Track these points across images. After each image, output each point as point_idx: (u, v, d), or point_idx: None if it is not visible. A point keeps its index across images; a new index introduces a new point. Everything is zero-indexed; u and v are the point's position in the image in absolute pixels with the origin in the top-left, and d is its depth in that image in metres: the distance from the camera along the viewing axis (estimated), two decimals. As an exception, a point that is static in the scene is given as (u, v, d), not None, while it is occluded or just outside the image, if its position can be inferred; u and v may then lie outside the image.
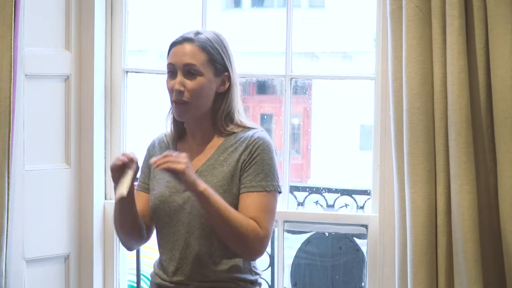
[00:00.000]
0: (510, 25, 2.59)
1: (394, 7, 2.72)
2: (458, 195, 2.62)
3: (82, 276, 3.31)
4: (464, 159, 2.61)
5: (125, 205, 2.32)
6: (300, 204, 3.72)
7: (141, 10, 3.55)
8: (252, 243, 2.26)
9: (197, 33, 2.34)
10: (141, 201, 2.43)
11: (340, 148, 7.50)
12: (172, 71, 2.33)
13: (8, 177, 2.94)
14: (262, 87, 7.74)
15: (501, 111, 2.61)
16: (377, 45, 2.98)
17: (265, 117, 7.50)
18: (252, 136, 2.33)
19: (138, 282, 3.52)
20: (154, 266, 2.44)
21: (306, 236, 3.53)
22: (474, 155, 2.64)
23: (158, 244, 2.41)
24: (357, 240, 3.42)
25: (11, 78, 2.93)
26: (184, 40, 2.33)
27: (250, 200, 2.28)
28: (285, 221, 3.20)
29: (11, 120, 2.94)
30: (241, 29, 6.95)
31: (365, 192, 3.44)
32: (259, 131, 2.36)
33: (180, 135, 2.43)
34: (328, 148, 7.33)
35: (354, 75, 3.29)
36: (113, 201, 2.43)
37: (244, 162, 2.31)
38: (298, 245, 3.57)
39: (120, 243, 3.30)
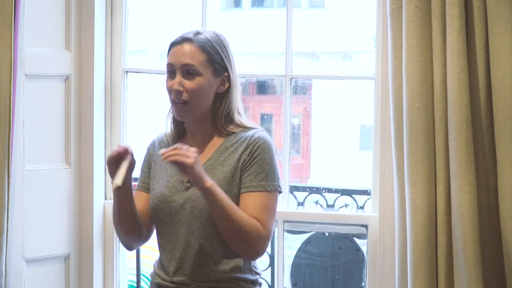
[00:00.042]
0: (510, 25, 2.59)
1: (394, 7, 2.72)
2: (458, 195, 2.62)
3: (82, 276, 3.31)
4: (464, 159, 2.61)
5: (122, 198, 2.31)
6: (300, 204, 3.72)
7: (141, 10, 3.55)
8: (254, 243, 2.26)
9: (197, 33, 2.34)
10: (141, 201, 2.43)
11: (340, 148, 7.50)
12: (171, 71, 2.33)
13: (8, 177, 2.94)
14: (262, 87, 7.74)
15: (501, 111, 2.61)
16: (377, 45, 2.98)
17: (265, 117, 7.50)
18: (252, 136, 2.33)
19: (138, 282, 3.52)
20: (154, 266, 2.44)
21: (306, 236, 3.53)
22: (474, 155, 2.64)
23: (158, 244, 2.41)
24: (357, 240, 3.42)
25: (11, 78, 2.93)
26: (183, 40, 2.33)
27: (251, 200, 2.28)
28: (285, 221, 3.20)
29: (11, 120, 2.94)
30: (241, 29, 6.95)
31: (365, 192, 3.44)
32: (259, 131, 2.36)
33: (180, 134, 2.43)
34: (328, 148, 7.33)
35: (354, 75, 3.29)
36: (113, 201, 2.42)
37: (245, 162, 2.31)
38: (298, 245, 3.57)
39: (120, 243, 3.31)
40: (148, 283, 2.72)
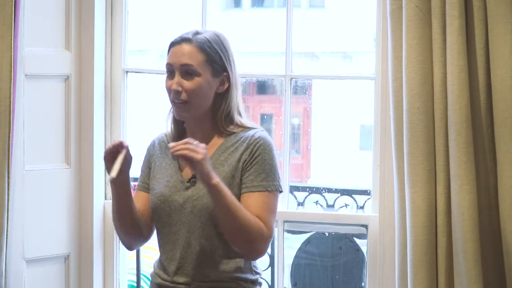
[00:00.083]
0: (510, 25, 2.59)
1: (394, 7, 2.72)
2: (458, 195, 2.62)
3: (82, 276, 3.31)
4: (464, 159, 2.61)
5: (119, 193, 2.31)
6: (300, 204, 3.72)
7: (141, 10, 3.55)
8: (257, 242, 2.26)
9: (196, 33, 2.34)
10: (141, 201, 2.43)
11: (340, 148, 7.50)
12: (170, 71, 2.33)
13: (8, 177, 2.94)
14: (262, 87, 7.74)
15: (501, 111, 2.61)
16: (377, 45, 2.98)
17: (265, 117, 7.51)
18: (253, 136, 2.33)
19: (138, 282, 3.52)
20: (154, 266, 2.44)
21: (306, 236, 3.53)
22: (474, 155, 2.64)
23: (159, 244, 2.41)
24: (357, 240, 3.42)
25: (11, 78, 2.93)
26: (182, 40, 2.33)
27: (252, 200, 2.27)
28: (285, 221, 3.20)
29: (11, 120, 2.94)
30: (241, 29, 6.96)
31: (365, 192, 3.44)
32: (259, 131, 2.36)
33: (180, 134, 2.43)
34: (328, 148, 7.34)
35: (354, 75, 3.29)
36: (113, 201, 2.42)
37: (245, 162, 2.31)
38: (298, 245, 3.57)
39: (120, 243, 3.31)
40: (148, 283, 2.72)
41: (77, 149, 3.27)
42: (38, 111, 3.15)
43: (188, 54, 2.30)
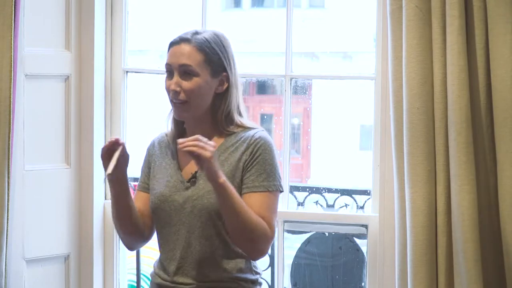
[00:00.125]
0: (510, 25, 2.59)
1: (394, 7, 2.72)
2: (458, 195, 2.62)
3: (82, 276, 3.31)
4: (464, 159, 2.61)
5: (117, 191, 2.31)
6: (300, 204, 3.72)
7: (141, 10, 3.55)
8: (260, 241, 2.26)
9: (195, 33, 2.33)
10: (141, 201, 2.43)
11: (340, 148, 7.50)
12: (169, 71, 2.33)
13: (8, 177, 2.94)
14: (262, 87, 7.74)
15: (501, 111, 2.61)
16: (377, 45, 2.98)
17: (265, 117, 7.50)
18: (253, 136, 2.33)
19: (138, 282, 3.52)
20: (154, 266, 2.44)
21: (306, 236, 3.53)
22: (474, 155, 2.64)
23: (159, 244, 2.41)
24: (357, 240, 3.42)
25: (11, 78, 2.93)
26: (181, 40, 2.32)
27: (253, 200, 2.27)
28: (285, 221, 3.20)
29: (11, 120, 2.94)
30: (241, 29, 6.95)
31: (365, 192, 3.44)
32: (259, 131, 2.36)
33: (181, 134, 2.42)
34: (328, 148, 7.33)
35: (354, 75, 3.29)
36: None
37: (246, 163, 2.31)
38: (298, 245, 3.57)
39: (121, 243, 3.31)
40: (148, 283, 2.72)
41: (77, 149, 3.27)
42: (38, 111, 3.15)
43: (187, 54, 2.30)
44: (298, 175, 7.20)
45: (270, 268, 3.57)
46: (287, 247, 3.26)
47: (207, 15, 3.22)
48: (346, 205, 3.58)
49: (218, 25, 3.22)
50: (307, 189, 3.78)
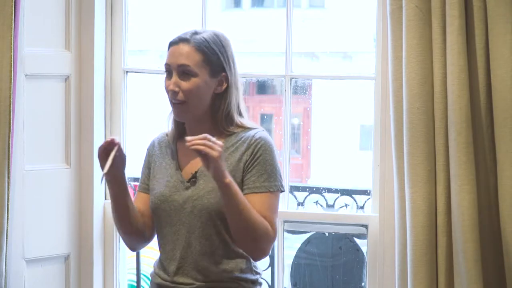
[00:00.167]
0: (510, 25, 2.59)
1: (394, 7, 2.72)
2: (458, 195, 2.62)
3: (82, 276, 3.31)
4: (464, 159, 2.61)
5: (115, 191, 2.31)
6: (300, 204, 3.71)
7: (141, 10, 3.55)
8: (263, 241, 2.26)
9: (194, 33, 2.33)
10: (142, 202, 2.43)
11: (340, 148, 7.50)
12: (168, 71, 2.33)
13: (8, 177, 2.94)
14: (262, 87, 7.74)
15: (501, 111, 2.61)
16: (377, 45, 2.98)
17: (265, 117, 7.50)
18: (253, 136, 2.33)
19: (138, 282, 3.52)
20: (154, 266, 2.44)
21: (306, 236, 3.53)
22: (474, 155, 2.64)
23: (159, 244, 2.41)
24: (357, 240, 3.42)
25: (11, 78, 2.93)
26: (180, 40, 2.32)
27: (255, 201, 2.27)
28: (285, 221, 3.20)
29: (11, 120, 2.94)
30: (241, 29, 6.95)
31: (365, 192, 3.44)
32: (260, 131, 2.35)
33: (181, 134, 2.42)
34: (328, 148, 7.33)
35: (354, 75, 3.29)
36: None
37: (247, 163, 2.31)
38: (298, 245, 3.57)
39: (121, 243, 3.31)
40: (148, 283, 2.72)
41: (77, 149, 3.27)
42: (38, 111, 3.15)
43: (185, 55, 2.30)
44: (298, 175, 7.20)
45: (270, 268, 3.58)
46: (287, 247, 3.26)
47: (207, 15, 3.22)
48: (346, 205, 3.58)
49: (218, 25, 3.23)
50: (307, 189, 3.78)
